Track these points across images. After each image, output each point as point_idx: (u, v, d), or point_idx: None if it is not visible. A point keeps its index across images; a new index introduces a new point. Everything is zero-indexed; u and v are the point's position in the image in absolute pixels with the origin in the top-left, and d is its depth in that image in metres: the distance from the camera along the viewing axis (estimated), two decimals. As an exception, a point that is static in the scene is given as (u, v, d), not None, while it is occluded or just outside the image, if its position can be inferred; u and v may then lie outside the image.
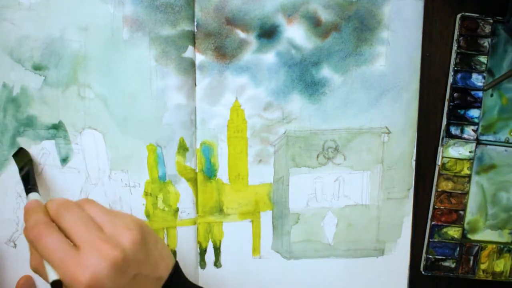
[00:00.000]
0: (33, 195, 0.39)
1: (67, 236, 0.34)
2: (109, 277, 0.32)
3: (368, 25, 0.46)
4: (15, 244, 0.46)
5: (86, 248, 0.33)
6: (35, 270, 0.36)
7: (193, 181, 0.46)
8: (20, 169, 0.43)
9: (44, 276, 0.34)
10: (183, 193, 0.46)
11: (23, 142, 0.44)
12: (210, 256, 0.48)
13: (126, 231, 0.34)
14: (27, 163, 0.43)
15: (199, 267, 0.48)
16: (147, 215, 0.46)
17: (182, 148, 0.46)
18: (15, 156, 0.44)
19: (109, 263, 0.32)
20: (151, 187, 0.46)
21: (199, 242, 0.47)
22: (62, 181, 0.45)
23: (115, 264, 0.33)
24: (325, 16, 0.45)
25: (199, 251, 0.48)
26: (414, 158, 0.47)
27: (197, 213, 0.47)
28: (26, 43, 0.43)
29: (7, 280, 0.46)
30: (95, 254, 0.32)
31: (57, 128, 0.45)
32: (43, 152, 0.45)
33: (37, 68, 0.44)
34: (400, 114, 0.47)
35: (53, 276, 0.33)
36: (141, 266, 0.35)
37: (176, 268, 0.38)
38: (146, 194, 0.46)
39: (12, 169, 0.44)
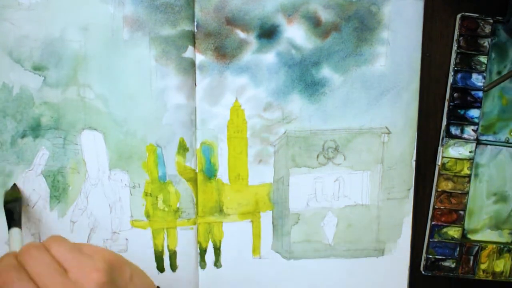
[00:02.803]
0: (15, 231, 0.39)
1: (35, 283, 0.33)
2: None
3: (368, 25, 0.46)
4: (14, 245, 0.46)
5: None
6: None
7: (193, 181, 0.46)
8: (5, 203, 0.43)
9: None
10: (183, 193, 0.46)
11: (23, 142, 0.44)
12: (210, 256, 0.48)
13: (93, 273, 0.33)
14: (16, 199, 0.43)
15: (199, 267, 0.48)
16: (147, 216, 0.46)
17: (182, 148, 0.46)
18: (6, 191, 0.44)
19: None
20: (151, 187, 0.46)
21: (199, 242, 0.47)
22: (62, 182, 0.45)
23: None
24: (325, 16, 0.45)
25: (199, 251, 0.47)
26: (414, 158, 0.47)
27: (197, 213, 0.47)
28: (25, 43, 0.43)
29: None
30: None
31: (56, 128, 0.44)
32: (42, 152, 0.45)
33: (36, 68, 0.44)
34: (400, 114, 0.47)
35: None
36: None
37: None
38: (146, 194, 0.46)
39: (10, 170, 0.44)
